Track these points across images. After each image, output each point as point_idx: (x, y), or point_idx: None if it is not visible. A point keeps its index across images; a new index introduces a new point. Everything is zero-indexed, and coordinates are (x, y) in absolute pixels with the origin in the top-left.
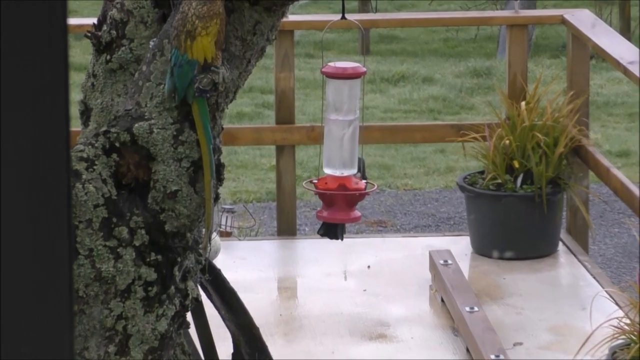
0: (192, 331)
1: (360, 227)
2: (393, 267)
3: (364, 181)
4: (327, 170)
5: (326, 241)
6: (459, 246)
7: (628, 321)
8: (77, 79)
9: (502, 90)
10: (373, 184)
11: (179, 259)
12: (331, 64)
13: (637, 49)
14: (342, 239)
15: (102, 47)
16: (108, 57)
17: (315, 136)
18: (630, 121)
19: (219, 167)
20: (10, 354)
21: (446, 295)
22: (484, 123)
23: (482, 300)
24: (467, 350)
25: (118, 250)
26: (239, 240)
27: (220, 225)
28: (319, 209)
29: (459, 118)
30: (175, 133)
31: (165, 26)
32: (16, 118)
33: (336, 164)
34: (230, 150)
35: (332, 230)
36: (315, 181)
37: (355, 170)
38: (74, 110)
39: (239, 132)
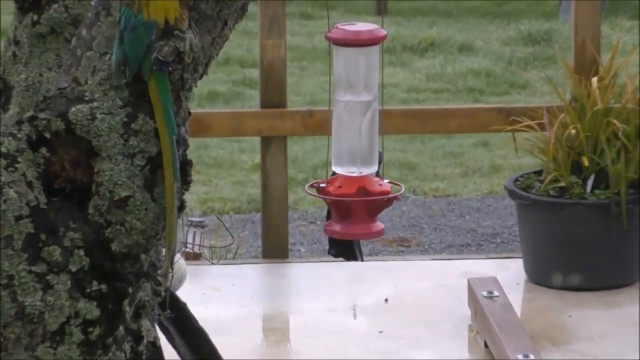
0: None
1: (375, 247)
2: (419, 300)
3: (386, 181)
4: (338, 170)
5: (328, 266)
6: (509, 272)
7: None
8: None
9: (566, 62)
10: (399, 185)
11: (130, 290)
12: (340, 26)
13: None
14: (362, 259)
15: (28, 5)
16: (35, 17)
17: (314, 124)
18: None
19: (185, 166)
20: None
21: (491, 339)
22: (541, 106)
23: (540, 345)
24: None
25: (48, 278)
26: (212, 264)
27: (186, 245)
28: (322, 221)
29: (508, 100)
30: (125, 120)
31: None
32: None
33: (351, 160)
34: (200, 144)
35: (347, 249)
36: (324, 185)
37: (375, 168)
38: None
39: (212, 119)
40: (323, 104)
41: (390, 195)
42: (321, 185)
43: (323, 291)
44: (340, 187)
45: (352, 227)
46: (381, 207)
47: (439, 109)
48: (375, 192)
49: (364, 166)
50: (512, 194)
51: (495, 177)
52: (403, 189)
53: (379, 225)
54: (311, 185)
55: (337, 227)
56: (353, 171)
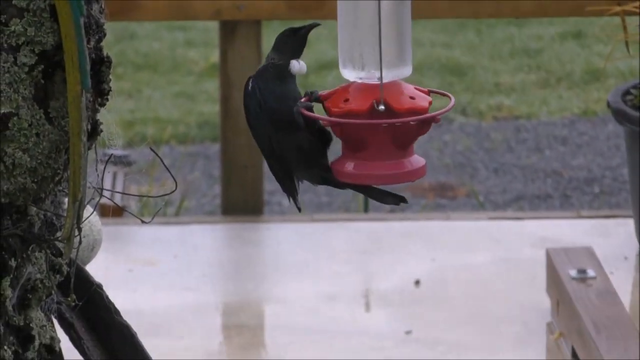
0: None
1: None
2: (470, 284)
3: (424, 91)
4: (346, 73)
5: (326, 228)
6: (613, 240)
7: None
8: None
9: None
10: (447, 95)
11: (11, 263)
12: None
13: None
14: (405, 201)
15: None
16: None
17: (303, 1)
18: None
19: (100, 67)
20: None
21: (583, 345)
22: None
23: None
24: None
25: None
26: (142, 223)
27: (101, 192)
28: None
29: None
30: None
31: None
32: None
33: (369, 58)
34: (123, 31)
35: (379, 193)
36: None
37: (410, 69)
38: None
39: None
40: None
41: (425, 116)
42: (322, 95)
43: (317, 267)
44: (347, 100)
45: (370, 166)
46: (413, 134)
47: None
48: (403, 110)
49: (390, 67)
50: (619, 114)
51: (592, 88)
52: (453, 101)
53: (415, 160)
54: (309, 98)
55: (348, 167)
56: (368, 75)
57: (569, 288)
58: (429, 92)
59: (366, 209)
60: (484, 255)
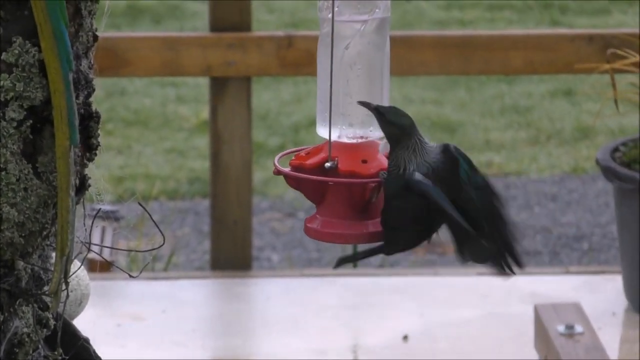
0: None
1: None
2: (459, 339)
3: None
4: (324, 132)
5: (315, 283)
6: (601, 296)
7: None
8: None
9: None
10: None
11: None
12: None
13: None
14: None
15: None
16: None
17: (294, 58)
18: None
19: (89, 122)
20: None
21: None
22: None
23: None
24: None
25: None
26: (130, 277)
27: (89, 247)
28: (307, 212)
29: (605, 22)
30: None
31: None
32: None
33: (349, 117)
34: (114, 87)
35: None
36: (306, 155)
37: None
38: None
39: (134, 48)
40: (309, 26)
41: (348, 180)
42: (326, 165)
43: (306, 323)
44: (308, 154)
45: (338, 225)
46: (359, 197)
47: (494, 36)
48: (345, 172)
49: (366, 126)
50: (608, 172)
51: (582, 146)
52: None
53: (377, 224)
54: (286, 155)
55: (316, 223)
56: (350, 134)
57: (556, 344)
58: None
59: (355, 265)
60: (472, 311)
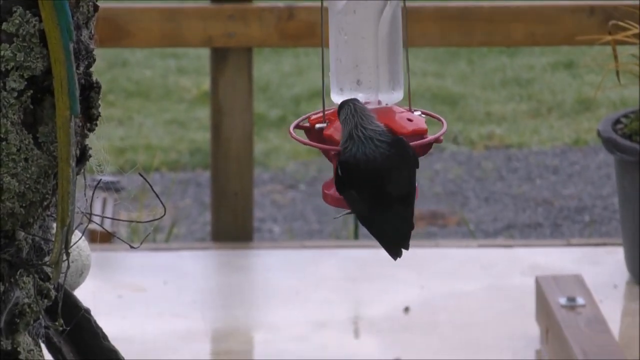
0: None
1: None
2: (459, 311)
3: (417, 113)
4: (340, 99)
5: (316, 255)
6: (602, 268)
7: None
8: None
9: None
10: (439, 119)
11: (0, 287)
12: None
13: None
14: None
15: None
16: None
17: (295, 29)
18: None
19: (89, 92)
20: None
21: None
22: None
23: None
24: None
25: None
26: (131, 248)
27: (90, 218)
28: (307, 185)
29: None
30: None
31: None
32: None
33: (361, 84)
34: (115, 58)
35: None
36: (320, 125)
37: (401, 94)
38: None
39: (134, 19)
40: None
41: (427, 139)
42: (316, 126)
43: (307, 294)
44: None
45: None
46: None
47: (496, 8)
48: (407, 131)
49: (382, 91)
50: (609, 144)
51: (583, 118)
52: (445, 126)
53: None
54: (298, 126)
55: (333, 190)
56: (367, 99)
57: (558, 316)
58: (422, 113)
59: (356, 236)
60: (473, 283)
